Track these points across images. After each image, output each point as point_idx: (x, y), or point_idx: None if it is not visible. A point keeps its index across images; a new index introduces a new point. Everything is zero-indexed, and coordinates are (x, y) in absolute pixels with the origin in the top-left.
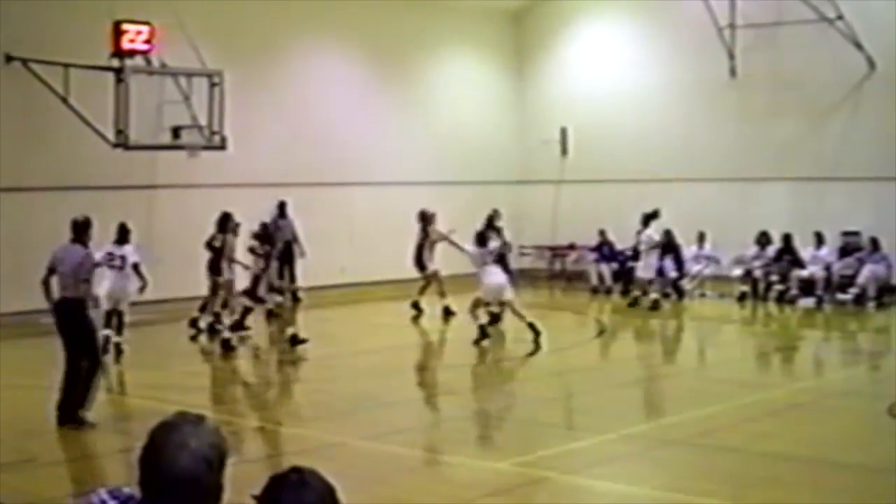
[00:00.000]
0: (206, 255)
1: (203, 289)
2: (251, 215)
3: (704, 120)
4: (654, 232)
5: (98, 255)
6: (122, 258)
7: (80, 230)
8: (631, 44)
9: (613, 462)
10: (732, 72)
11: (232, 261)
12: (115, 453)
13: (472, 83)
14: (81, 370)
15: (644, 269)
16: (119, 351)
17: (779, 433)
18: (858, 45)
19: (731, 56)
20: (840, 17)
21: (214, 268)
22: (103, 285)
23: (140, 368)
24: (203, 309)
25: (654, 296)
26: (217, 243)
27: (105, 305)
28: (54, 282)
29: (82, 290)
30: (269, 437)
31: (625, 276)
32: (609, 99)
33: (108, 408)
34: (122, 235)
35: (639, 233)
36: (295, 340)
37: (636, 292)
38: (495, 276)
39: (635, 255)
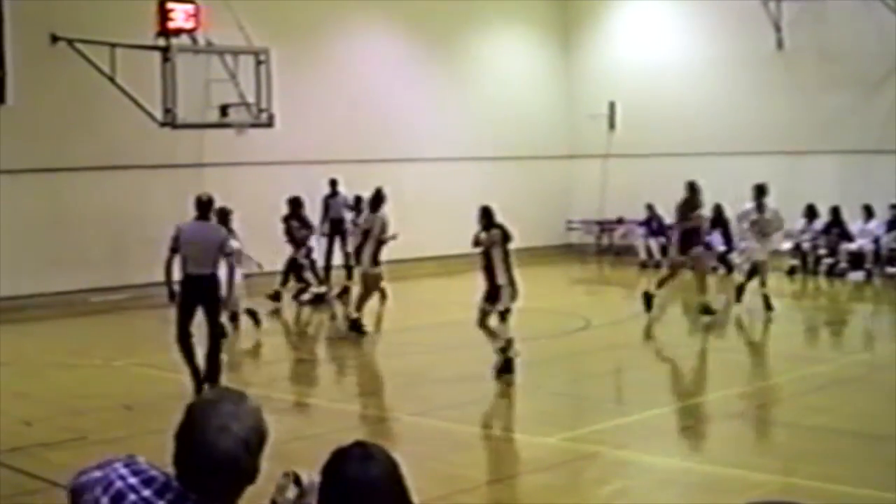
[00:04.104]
0: (252, 233)
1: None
2: (297, 192)
3: (752, 93)
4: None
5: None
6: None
7: (206, 208)
8: (677, 17)
9: (663, 436)
10: (779, 44)
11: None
12: (166, 431)
13: (519, 59)
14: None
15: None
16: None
17: (829, 407)
18: None
19: (778, 29)
20: None
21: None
22: None
23: None
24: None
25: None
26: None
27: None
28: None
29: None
30: (319, 413)
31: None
32: (656, 73)
33: (157, 385)
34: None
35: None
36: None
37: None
38: None
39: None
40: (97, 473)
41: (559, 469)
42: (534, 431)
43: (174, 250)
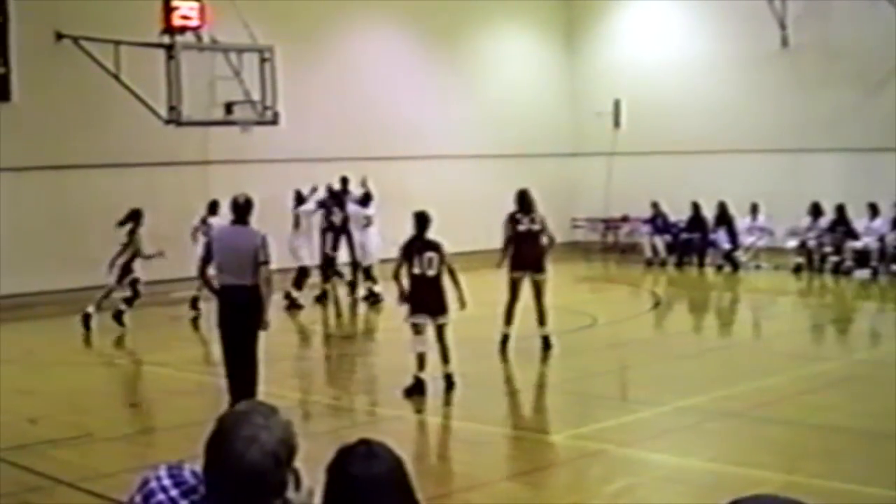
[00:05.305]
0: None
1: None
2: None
3: (757, 90)
4: None
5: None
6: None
7: (242, 211)
8: (682, 15)
9: (669, 434)
10: (784, 42)
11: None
12: (172, 428)
13: (523, 56)
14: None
15: None
16: None
17: (834, 405)
18: None
19: (783, 26)
20: None
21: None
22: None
23: (192, 343)
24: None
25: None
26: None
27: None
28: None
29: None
30: (325, 412)
31: (679, 248)
32: (661, 71)
33: (163, 383)
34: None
35: None
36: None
37: None
38: None
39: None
40: (147, 474)
41: (564, 467)
42: (539, 429)
43: (206, 259)
